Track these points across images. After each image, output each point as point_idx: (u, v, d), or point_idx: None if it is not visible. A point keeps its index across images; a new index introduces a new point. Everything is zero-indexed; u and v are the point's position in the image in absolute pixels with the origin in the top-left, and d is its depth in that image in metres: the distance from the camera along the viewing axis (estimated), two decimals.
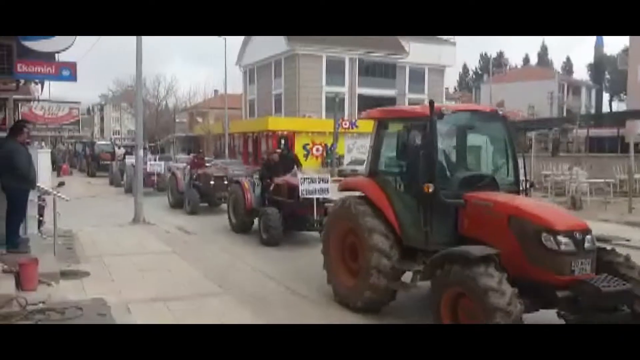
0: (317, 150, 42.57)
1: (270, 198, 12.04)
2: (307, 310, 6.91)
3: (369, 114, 7.40)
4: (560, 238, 5.14)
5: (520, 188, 6.58)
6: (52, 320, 5.79)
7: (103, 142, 45.29)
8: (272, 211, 11.28)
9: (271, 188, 12.14)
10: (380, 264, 6.31)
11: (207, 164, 21.69)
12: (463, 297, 5.11)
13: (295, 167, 13.63)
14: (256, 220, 12.17)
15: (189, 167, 18.56)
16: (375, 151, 7.08)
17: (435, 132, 6.00)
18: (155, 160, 24.03)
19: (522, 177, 6.61)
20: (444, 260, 5.34)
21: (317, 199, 10.82)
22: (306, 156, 42.09)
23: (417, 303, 6.88)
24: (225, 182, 16.10)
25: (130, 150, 31.32)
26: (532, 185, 6.87)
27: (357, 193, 7.18)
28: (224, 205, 14.94)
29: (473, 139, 7.00)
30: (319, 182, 10.89)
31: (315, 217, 10.78)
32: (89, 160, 35.77)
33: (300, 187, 10.76)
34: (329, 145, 40.13)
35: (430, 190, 5.81)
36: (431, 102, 6.12)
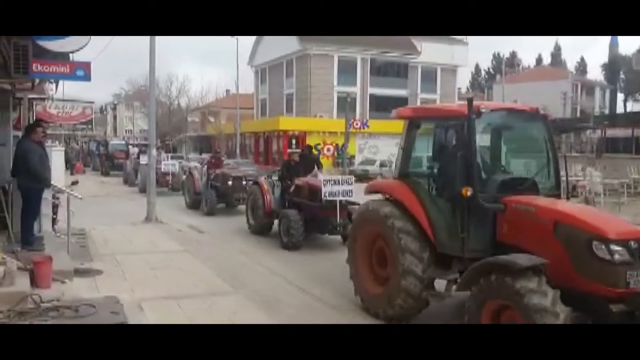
0: (329, 150, 42.53)
1: (291, 200, 11.68)
2: (327, 314, 6.73)
3: (399, 113, 6.98)
4: (614, 247, 4.75)
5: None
6: (65, 317, 5.83)
7: (117, 141, 44.69)
8: (293, 213, 10.90)
9: (291, 189, 11.77)
10: (412, 285, 6.02)
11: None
12: (507, 309, 4.77)
13: (316, 167, 13.12)
14: (276, 222, 11.92)
15: (206, 167, 18.43)
16: (406, 152, 6.70)
17: (473, 131, 5.63)
18: (167, 159, 24.06)
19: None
20: (486, 269, 4.97)
21: (340, 201, 10.39)
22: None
23: (445, 309, 6.63)
24: (244, 183, 15.92)
25: (144, 149, 31.43)
26: (574, 188, 6.48)
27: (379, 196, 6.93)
28: (242, 207, 14.67)
29: (511, 139, 6.71)
30: (342, 184, 10.40)
31: (338, 220, 10.34)
32: (103, 160, 35.48)
33: (323, 189, 10.28)
34: (340, 145, 40.11)
35: (469, 194, 5.43)
36: (470, 100, 5.70)
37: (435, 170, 6.32)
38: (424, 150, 6.69)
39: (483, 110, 5.78)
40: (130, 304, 6.53)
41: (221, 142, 53.08)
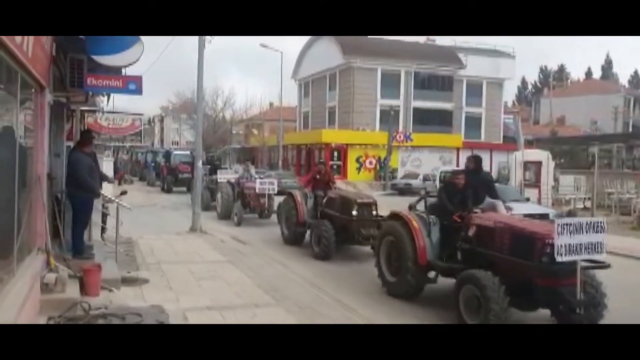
0: (370, 163, 42.45)
1: (470, 250, 7.23)
2: None
3: None
4: None
5: None
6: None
7: (181, 152, 36.02)
8: (488, 277, 6.39)
9: (470, 232, 7.30)
10: None
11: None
12: None
13: (489, 193, 8.76)
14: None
15: (304, 186, 14.27)
16: None
17: None
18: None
19: None
20: None
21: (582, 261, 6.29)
22: (359, 169, 42.15)
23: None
24: (374, 213, 11.15)
25: (219, 162, 27.89)
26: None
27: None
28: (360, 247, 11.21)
29: None
30: (586, 231, 6.09)
31: (578, 295, 6.14)
32: (164, 174, 30.54)
33: (557, 241, 5.93)
34: (382, 158, 39.99)
35: None
36: None
37: None
38: None
39: None
40: (175, 313, 6.61)
41: (264, 154, 53.78)
